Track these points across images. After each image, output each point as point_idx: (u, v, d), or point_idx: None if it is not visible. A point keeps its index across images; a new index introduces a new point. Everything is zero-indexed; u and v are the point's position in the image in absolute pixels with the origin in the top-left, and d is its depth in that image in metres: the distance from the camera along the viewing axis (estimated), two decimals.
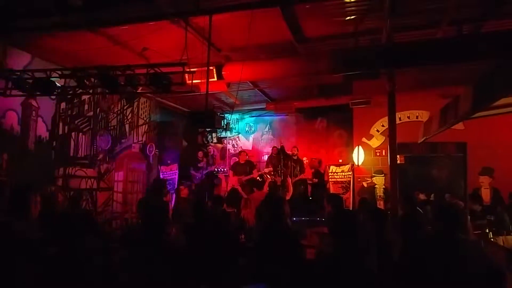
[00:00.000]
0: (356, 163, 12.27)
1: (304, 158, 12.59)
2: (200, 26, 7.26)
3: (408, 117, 12.13)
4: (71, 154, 9.19)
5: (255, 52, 8.48)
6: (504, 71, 4.71)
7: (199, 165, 12.27)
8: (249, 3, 6.19)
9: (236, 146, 14.79)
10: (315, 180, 12.06)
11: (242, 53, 8.16)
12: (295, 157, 11.90)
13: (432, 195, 9.26)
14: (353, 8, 6.88)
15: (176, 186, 11.63)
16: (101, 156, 10.12)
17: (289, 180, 10.87)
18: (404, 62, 7.07)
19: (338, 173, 12.26)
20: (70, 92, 7.89)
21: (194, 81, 6.88)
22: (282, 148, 12.54)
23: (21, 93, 6.92)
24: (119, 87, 6.79)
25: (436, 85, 10.48)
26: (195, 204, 6.26)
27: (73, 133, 9.24)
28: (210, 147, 14.48)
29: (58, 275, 3.24)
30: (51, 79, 6.77)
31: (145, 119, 12.15)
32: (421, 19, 7.26)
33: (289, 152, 11.89)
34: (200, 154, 12.54)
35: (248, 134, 14.74)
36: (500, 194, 10.11)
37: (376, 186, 12.05)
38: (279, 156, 12.52)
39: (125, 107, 11.21)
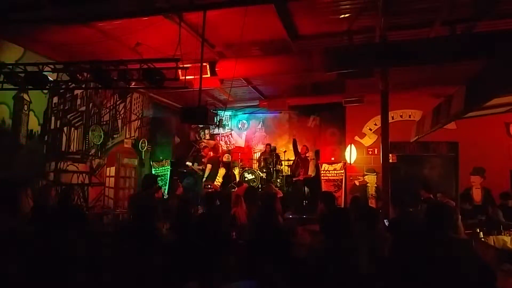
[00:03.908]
0: (349, 162, 12.32)
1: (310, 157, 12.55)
2: (194, 22, 7.22)
3: (401, 116, 12.17)
4: (63, 149, 9.13)
5: (249, 49, 8.47)
6: (497, 71, 4.73)
7: (203, 160, 12.31)
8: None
9: (229, 143, 14.79)
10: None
11: (235, 49, 8.15)
12: (303, 156, 11.89)
13: None
14: (347, 6, 6.89)
15: (168, 182, 11.64)
16: (93, 151, 10.06)
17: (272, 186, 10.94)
18: (398, 61, 7.09)
19: (330, 171, 12.28)
20: (63, 87, 7.82)
21: (187, 77, 6.83)
22: (273, 148, 12.61)
23: (13, 86, 6.85)
24: (112, 82, 6.73)
25: (429, 85, 10.53)
26: (181, 202, 6.23)
27: (65, 128, 9.16)
28: (202, 143, 14.45)
29: (46, 272, 3.21)
30: (43, 73, 6.69)
31: (137, 114, 12.08)
32: (414, 19, 7.28)
33: (300, 152, 11.92)
34: (206, 150, 12.58)
35: (241, 131, 14.74)
36: (491, 194, 10.17)
37: (368, 184, 12.11)
38: (272, 154, 12.56)
39: (117, 102, 11.14)
